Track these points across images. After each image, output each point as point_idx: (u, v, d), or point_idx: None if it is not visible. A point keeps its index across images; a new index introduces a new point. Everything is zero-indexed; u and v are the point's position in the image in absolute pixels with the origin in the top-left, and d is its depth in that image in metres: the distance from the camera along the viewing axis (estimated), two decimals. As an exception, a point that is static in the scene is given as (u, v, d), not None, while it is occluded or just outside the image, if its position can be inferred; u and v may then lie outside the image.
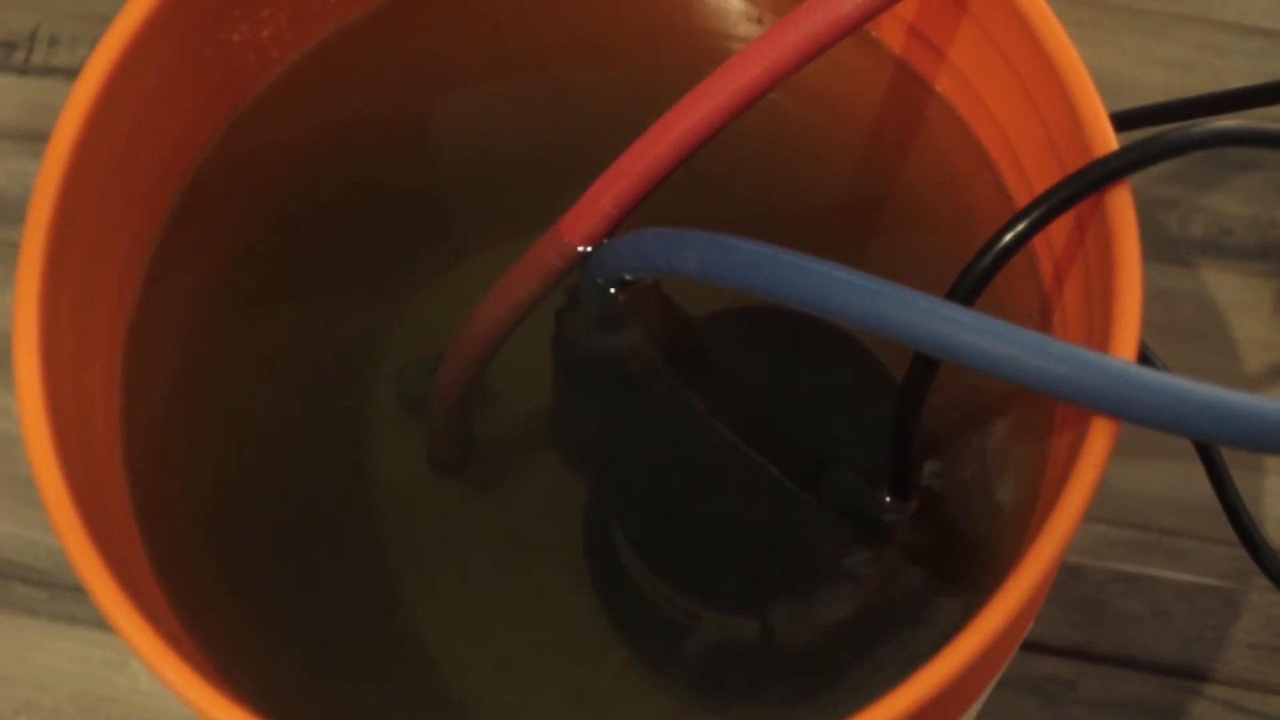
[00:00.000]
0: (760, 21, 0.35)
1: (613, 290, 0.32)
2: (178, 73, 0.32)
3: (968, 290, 0.28)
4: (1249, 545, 0.37)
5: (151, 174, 0.32)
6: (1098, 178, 0.27)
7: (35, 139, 0.45)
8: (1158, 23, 0.46)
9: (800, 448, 0.33)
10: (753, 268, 0.28)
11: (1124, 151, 0.27)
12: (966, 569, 0.31)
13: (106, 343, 0.31)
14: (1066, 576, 0.40)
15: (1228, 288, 0.43)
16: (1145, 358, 0.36)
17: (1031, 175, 0.31)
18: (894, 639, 0.31)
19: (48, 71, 0.46)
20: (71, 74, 0.45)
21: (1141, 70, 0.45)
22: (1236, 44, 0.45)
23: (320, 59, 0.34)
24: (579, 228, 0.31)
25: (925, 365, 0.29)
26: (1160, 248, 0.43)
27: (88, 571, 0.26)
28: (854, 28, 0.29)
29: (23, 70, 0.46)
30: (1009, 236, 0.28)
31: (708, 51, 0.36)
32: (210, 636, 0.29)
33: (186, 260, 0.33)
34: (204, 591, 0.31)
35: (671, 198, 0.31)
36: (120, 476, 0.30)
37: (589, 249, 0.32)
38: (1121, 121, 0.32)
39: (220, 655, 0.29)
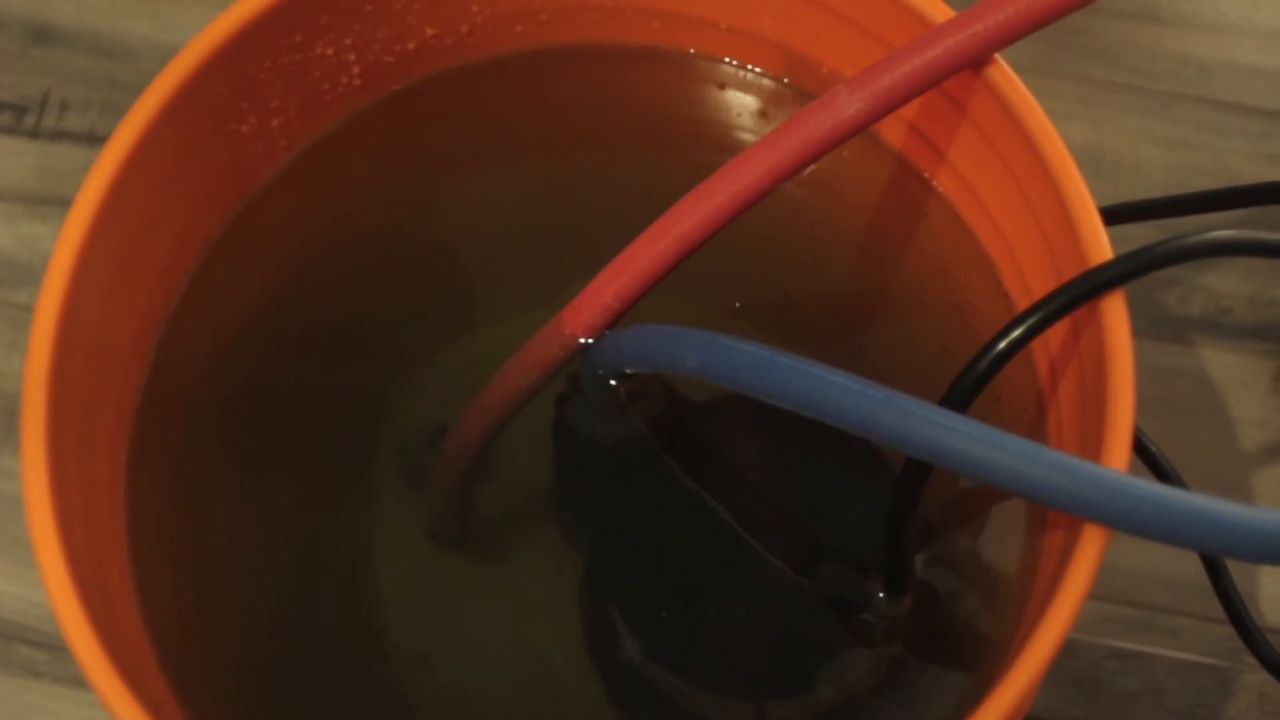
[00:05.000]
0: (765, 115, 0.36)
1: (613, 381, 0.32)
2: (184, 165, 0.32)
3: (963, 394, 0.28)
4: (1240, 628, 0.37)
5: (160, 260, 0.32)
6: (1092, 287, 0.28)
7: (45, 202, 0.45)
8: (1159, 102, 0.46)
9: (798, 536, 0.33)
10: (750, 369, 0.28)
11: (1118, 262, 0.28)
12: (960, 662, 0.31)
13: (111, 430, 0.31)
14: (1061, 653, 0.40)
15: (1225, 366, 0.43)
16: (1140, 444, 0.36)
17: (1028, 275, 0.31)
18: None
19: (58, 136, 0.46)
20: (81, 138, 0.46)
21: (1143, 150, 0.45)
22: (1238, 124, 0.45)
23: (328, 147, 0.35)
24: (580, 319, 0.32)
25: (919, 467, 0.29)
26: (1159, 325, 0.43)
27: (90, 663, 0.27)
28: (854, 133, 0.29)
29: (33, 134, 0.46)
30: (1004, 344, 0.28)
31: (713, 143, 0.36)
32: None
33: (194, 343, 0.33)
34: (206, 672, 0.31)
35: (670, 280, 0.31)
36: (125, 565, 0.30)
37: (590, 340, 0.32)
38: (1114, 215, 0.32)
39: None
